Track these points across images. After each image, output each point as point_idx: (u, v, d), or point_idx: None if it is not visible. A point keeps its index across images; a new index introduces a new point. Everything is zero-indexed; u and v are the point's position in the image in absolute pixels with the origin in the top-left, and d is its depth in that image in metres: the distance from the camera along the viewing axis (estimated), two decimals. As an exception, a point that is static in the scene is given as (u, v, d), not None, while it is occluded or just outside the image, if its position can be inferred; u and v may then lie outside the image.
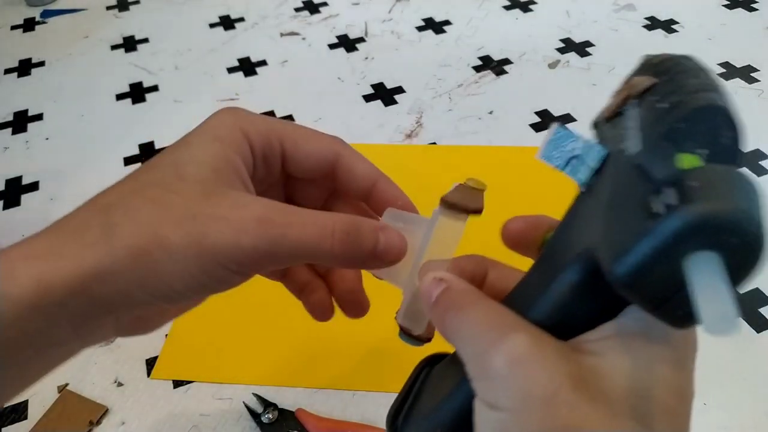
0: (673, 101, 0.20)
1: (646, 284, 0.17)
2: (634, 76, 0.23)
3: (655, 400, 0.18)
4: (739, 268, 0.16)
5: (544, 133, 0.65)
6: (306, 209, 0.23)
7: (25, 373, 0.22)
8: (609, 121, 0.23)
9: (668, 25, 0.80)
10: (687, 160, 0.19)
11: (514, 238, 0.25)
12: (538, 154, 0.24)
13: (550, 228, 0.24)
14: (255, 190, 0.25)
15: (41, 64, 0.81)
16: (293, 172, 0.27)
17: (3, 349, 0.20)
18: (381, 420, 0.42)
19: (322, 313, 0.30)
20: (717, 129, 0.20)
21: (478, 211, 0.26)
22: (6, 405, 0.38)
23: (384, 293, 0.32)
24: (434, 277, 0.22)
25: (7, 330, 0.20)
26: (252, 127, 0.25)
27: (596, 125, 0.24)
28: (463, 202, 0.26)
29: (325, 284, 0.30)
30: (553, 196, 0.57)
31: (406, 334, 0.26)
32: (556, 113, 0.67)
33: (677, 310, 0.17)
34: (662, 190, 0.17)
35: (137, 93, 0.74)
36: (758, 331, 0.46)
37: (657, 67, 0.23)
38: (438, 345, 0.26)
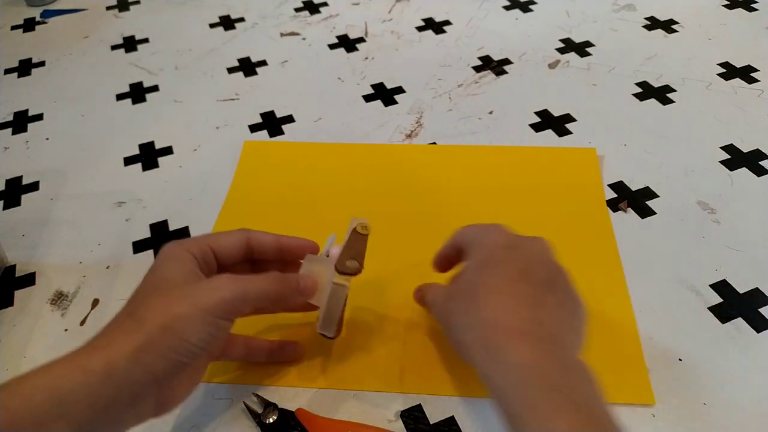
0: None
1: None
2: None
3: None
4: None
5: (545, 132, 0.65)
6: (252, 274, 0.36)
7: None
8: None
9: (668, 25, 0.80)
10: None
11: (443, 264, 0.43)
12: None
13: None
14: None
15: (41, 64, 0.81)
16: (224, 262, 0.39)
17: (83, 412, 0.29)
18: (381, 420, 0.42)
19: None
20: None
21: (358, 271, 0.39)
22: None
23: (386, 298, 0.33)
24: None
25: (87, 398, 0.30)
26: (191, 248, 0.37)
27: None
28: (349, 268, 0.39)
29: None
30: (552, 196, 0.57)
31: (322, 335, 0.41)
32: (556, 113, 0.67)
33: None
34: None
35: (137, 93, 0.74)
36: (758, 331, 0.46)
37: None
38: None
